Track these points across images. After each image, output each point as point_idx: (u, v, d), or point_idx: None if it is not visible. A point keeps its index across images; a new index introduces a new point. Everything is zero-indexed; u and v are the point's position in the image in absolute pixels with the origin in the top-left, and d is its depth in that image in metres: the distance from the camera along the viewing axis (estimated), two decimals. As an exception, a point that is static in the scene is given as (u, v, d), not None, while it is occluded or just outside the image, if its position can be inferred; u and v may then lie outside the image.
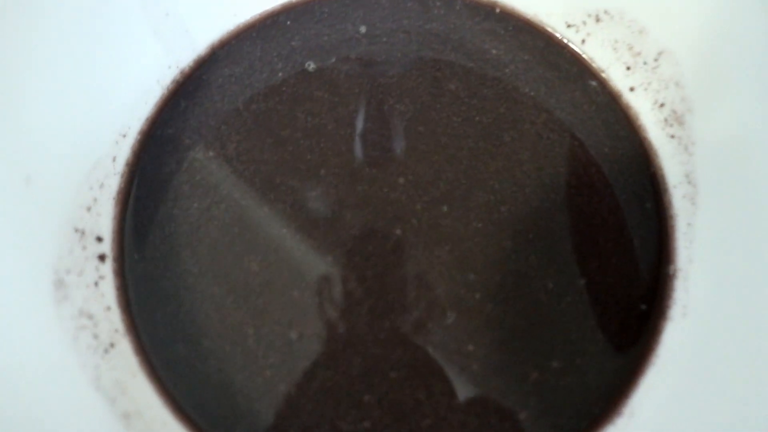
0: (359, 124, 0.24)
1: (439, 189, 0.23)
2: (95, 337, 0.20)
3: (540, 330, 0.22)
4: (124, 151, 0.23)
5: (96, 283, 0.21)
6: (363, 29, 0.25)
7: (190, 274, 0.22)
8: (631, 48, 0.23)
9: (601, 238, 0.23)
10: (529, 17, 0.25)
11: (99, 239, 0.22)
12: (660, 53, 0.23)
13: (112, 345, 0.20)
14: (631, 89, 0.24)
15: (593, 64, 0.25)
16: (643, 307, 0.22)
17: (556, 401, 0.21)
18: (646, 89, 0.23)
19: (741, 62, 0.20)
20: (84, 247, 0.21)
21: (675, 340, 0.21)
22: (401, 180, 0.23)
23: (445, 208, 0.23)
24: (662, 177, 0.23)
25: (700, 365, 0.20)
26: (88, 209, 0.22)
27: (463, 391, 0.21)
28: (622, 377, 0.21)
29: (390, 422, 0.21)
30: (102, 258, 0.22)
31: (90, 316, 0.20)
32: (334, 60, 0.25)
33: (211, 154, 0.23)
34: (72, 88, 0.21)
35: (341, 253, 0.22)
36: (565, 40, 0.25)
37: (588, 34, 0.24)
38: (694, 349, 0.21)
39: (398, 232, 0.22)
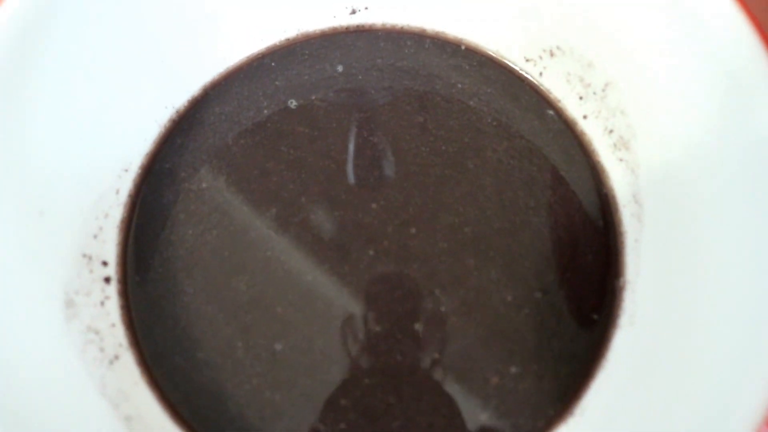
0: (336, 155, 0.27)
1: (408, 213, 0.26)
2: (101, 350, 0.23)
3: (500, 339, 0.24)
4: (126, 183, 0.26)
5: (102, 303, 0.24)
6: (340, 68, 0.28)
7: (186, 294, 0.25)
8: (582, 80, 0.26)
9: (556, 254, 0.25)
10: (491, 53, 0.28)
11: (104, 263, 0.25)
12: (606, 84, 0.25)
13: (116, 357, 0.24)
14: (584, 117, 0.27)
15: (550, 95, 0.27)
16: (595, 317, 0.24)
17: (514, 403, 0.24)
18: (597, 117, 0.26)
19: (675, 92, 0.23)
20: (91, 271, 0.24)
21: (623, 346, 0.24)
22: (374, 205, 0.26)
23: (413, 230, 0.25)
24: (613, 197, 0.26)
25: (644, 368, 0.23)
26: (95, 237, 0.25)
27: (430, 395, 0.24)
28: (574, 381, 0.24)
29: (364, 424, 0.23)
30: (107, 280, 0.25)
31: (97, 332, 0.23)
32: (313, 97, 0.28)
33: (204, 185, 0.27)
34: (79, 129, 0.24)
35: (321, 272, 0.25)
36: (524, 73, 0.28)
37: (544, 68, 0.27)
38: (639, 353, 0.23)
39: (371, 252, 0.25)
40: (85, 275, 0.24)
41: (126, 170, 0.26)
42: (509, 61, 0.28)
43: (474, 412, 0.24)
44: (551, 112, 0.27)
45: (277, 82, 0.28)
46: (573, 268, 0.25)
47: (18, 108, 0.22)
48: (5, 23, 0.21)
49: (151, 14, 0.25)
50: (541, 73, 0.27)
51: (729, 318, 0.20)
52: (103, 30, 0.24)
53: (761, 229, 0.20)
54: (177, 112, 0.28)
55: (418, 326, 0.24)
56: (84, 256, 0.24)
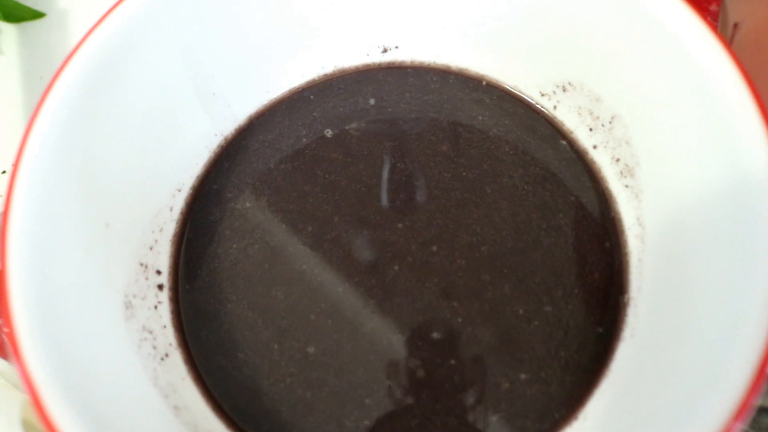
0: (367, 179, 0.30)
1: (430, 232, 0.29)
2: (154, 348, 0.27)
3: (511, 348, 0.27)
4: (179, 202, 0.31)
5: (156, 306, 0.28)
6: (372, 101, 0.32)
7: (230, 301, 0.29)
8: (591, 113, 0.30)
9: (565, 272, 0.28)
10: (510, 88, 0.32)
11: (158, 272, 0.29)
12: (613, 117, 0.29)
13: (167, 355, 0.27)
14: (594, 147, 0.30)
15: (563, 127, 0.31)
16: (600, 330, 0.27)
17: (523, 407, 0.27)
18: (605, 147, 0.29)
19: (673, 127, 0.26)
20: (147, 278, 0.28)
21: (624, 357, 0.27)
22: (400, 225, 0.30)
23: (435, 248, 0.29)
24: (619, 220, 0.29)
25: (643, 377, 0.25)
26: (151, 248, 0.29)
27: (446, 397, 0.27)
28: (579, 388, 0.27)
29: (385, 421, 0.27)
30: (160, 287, 0.29)
31: (150, 331, 0.27)
32: (347, 127, 0.32)
33: (248, 205, 0.31)
34: (141, 154, 0.29)
35: (350, 285, 0.29)
36: (540, 107, 0.31)
37: (558, 102, 0.31)
38: (639, 364, 0.26)
39: (396, 267, 0.29)
40: (141, 281, 0.28)
41: (179, 190, 0.31)
42: (526, 95, 0.32)
43: (486, 414, 0.27)
44: (564, 142, 0.31)
45: (314, 113, 0.32)
46: (580, 284, 0.28)
47: (90, 134, 0.26)
48: (85, 59, 0.26)
49: (205, 54, 0.30)
50: (555, 107, 0.31)
51: (715, 331, 0.23)
52: (165, 69, 0.28)
53: (746, 252, 0.23)
54: (225, 139, 0.32)
55: (436, 335, 0.28)
56: (141, 264, 0.28)
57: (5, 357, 0.34)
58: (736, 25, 0.28)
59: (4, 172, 0.36)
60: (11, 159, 0.38)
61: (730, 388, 0.20)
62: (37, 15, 0.40)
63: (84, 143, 0.26)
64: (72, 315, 0.24)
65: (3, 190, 0.36)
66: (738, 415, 0.20)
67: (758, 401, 0.29)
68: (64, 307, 0.24)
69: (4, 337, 0.34)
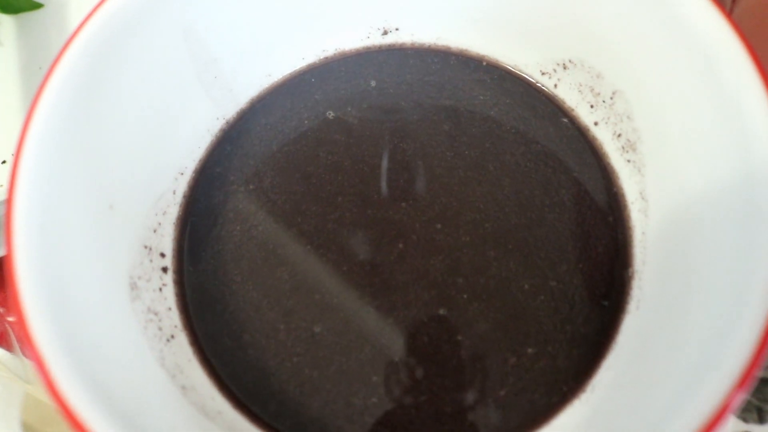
0: (369, 160, 0.31)
1: (434, 210, 0.29)
2: (160, 329, 0.27)
3: (517, 323, 0.28)
4: (182, 185, 0.31)
5: (160, 289, 0.28)
6: (373, 83, 0.33)
7: (234, 283, 0.29)
8: (592, 89, 0.30)
9: (570, 247, 0.29)
10: (510, 67, 0.32)
11: (162, 255, 0.29)
12: (614, 93, 0.29)
13: (172, 336, 0.28)
14: (596, 123, 0.30)
15: (564, 104, 0.31)
16: (605, 303, 0.28)
17: (531, 381, 0.27)
18: (606, 123, 0.30)
19: (673, 99, 0.26)
20: (151, 260, 0.28)
21: (630, 329, 0.27)
22: (403, 204, 0.30)
23: (439, 226, 0.29)
24: (622, 195, 0.29)
25: (648, 348, 0.26)
26: (155, 231, 0.29)
27: (453, 373, 0.27)
28: (586, 361, 0.27)
29: (393, 397, 0.27)
30: (165, 269, 0.29)
31: (156, 313, 0.27)
32: (349, 109, 0.32)
33: (251, 187, 0.31)
34: (143, 138, 0.29)
35: (354, 263, 0.29)
36: (540, 85, 0.32)
37: (559, 80, 0.31)
38: (644, 335, 0.26)
39: (401, 245, 0.29)
40: (146, 264, 0.28)
41: (182, 174, 0.31)
42: (526, 74, 0.32)
43: (494, 388, 0.27)
44: (565, 119, 0.31)
45: (316, 96, 0.33)
46: (585, 259, 0.28)
47: (92, 118, 0.26)
48: (85, 43, 0.26)
49: (206, 37, 0.30)
50: (555, 85, 0.31)
51: (719, 302, 0.23)
52: (166, 52, 0.29)
53: (750, 224, 0.23)
54: (227, 122, 0.32)
55: (443, 311, 0.28)
56: (145, 247, 0.29)
57: (8, 347, 0.35)
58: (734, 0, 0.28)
59: (4, 162, 0.36)
60: (11, 149, 0.38)
61: (734, 358, 0.21)
62: (35, 6, 0.41)
63: (86, 127, 0.26)
64: (79, 296, 0.24)
65: (4, 179, 0.36)
66: (741, 384, 0.20)
67: (762, 372, 0.30)
68: (71, 288, 0.24)
69: (8, 326, 0.34)
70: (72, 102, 0.26)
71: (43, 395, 0.33)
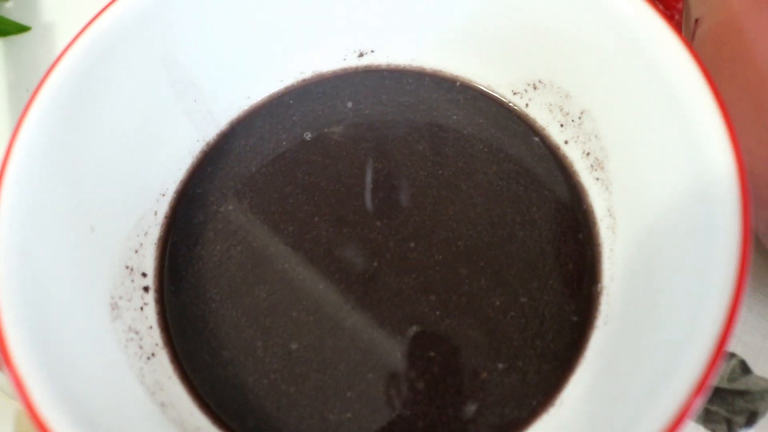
0: (346, 180, 0.32)
1: (408, 229, 0.30)
2: (140, 347, 0.28)
3: (488, 339, 0.28)
4: (163, 206, 0.32)
5: (141, 308, 0.29)
6: (350, 104, 0.33)
7: (213, 301, 0.30)
8: (561, 109, 0.31)
9: (540, 264, 0.29)
10: (483, 88, 0.33)
11: (144, 275, 0.30)
12: (582, 112, 0.30)
13: (153, 354, 0.28)
14: (566, 142, 0.31)
15: (535, 123, 0.32)
16: (575, 318, 0.28)
17: (501, 395, 0.28)
18: (576, 141, 0.31)
19: (637, 120, 0.27)
20: (132, 280, 0.29)
21: (598, 344, 0.28)
22: (378, 223, 0.31)
23: (412, 244, 0.30)
24: (591, 213, 0.30)
25: (615, 362, 0.27)
26: (136, 251, 0.30)
27: (426, 388, 0.28)
28: (555, 375, 0.28)
29: (366, 413, 0.28)
30: (146, 289, 0.30)
31: (137, 332, 0.28)
32: (326, 130, 0.33)
33: (230, 207, 0.32)
34: (124, 160, 0.30)
35: (331, 282, 0.30)
36: (512, 105, 0.33)
37: (530, 99, 0.32)
38: (611, 350, 0.27)
39: (375, 264, 0.30)
40: (127, 284, 0.29)
41: (163, 195, 0.32)
42: (499, 94, 0.33)
43: (465, 403, 0.28)
44: (536, 138, 0.32)
45: (294, 117, 0.33)
46: (555, 275, 0.29)
47: (74, 142, 0.27)
48: (67, 69, 0.27)
49: (185, 61, 0.31)
50: (527, 104, 0.32)
51: (679, 317, 0.24)
52: (146, 77, 0.30)
53: (708, 243, 0.24)
54: (207, 144, 0.33)
55: (416, 328, 0.29)
56: (127, 267, 0.29)
57: (-3, 365, 0.35)
58: (696, 21, 0.29)
59: (-8, 183, 0.37)
60: (-1, 170, 0.39)
61: (691, 368, 0.22)
62: (22, 29, 0.42)
63: (68, 150, 0.27)
64: (59, 317, 0.25)
65: (-9, 200, 0.37)
66: (697, 392, 0.21)
67: (729, 384, 0.31)
68: (51, 309, 0.25)
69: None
70: (54, 125, 0.27)
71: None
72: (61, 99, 0.27)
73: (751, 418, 0.31)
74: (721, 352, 0.22)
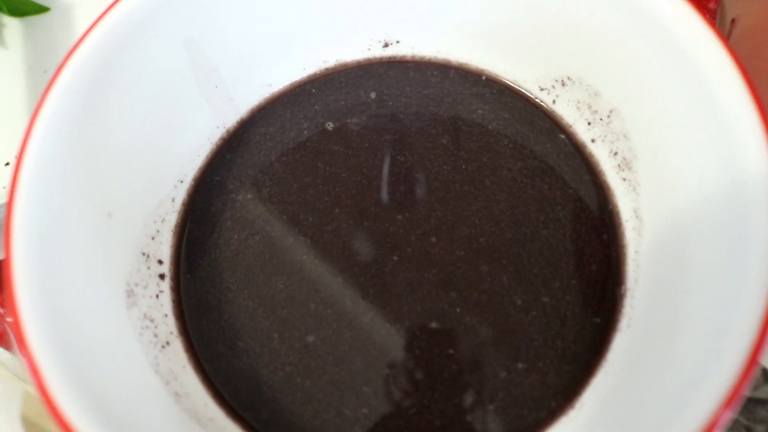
0: (367, 172, 0.31)
1: (429, 224, 0.30)
2: (155, 336, 0.28)
3: (509, 338, 0.28)
4: (181, 193, 0.31)
5: (157, 295, 0.29)
6: (373, 95, 0.33)
7: (230, 291, 0.30)
8: (590, 107, 0.30)
9: (563, 263, 0.29)
10: (509, 83, 0.33)
11: (160, 262, 0.30)
12: (611, 111, 0.29)
13: (168, 343, 0.28)
14: (593, 141, 0.31)
15: (562, 121, 0.32)
16: (597, 320, 0.28)
17: (520, 396, 0.27)
18: (603, 141, 0.30)
19: (669, 120, 0.27)
20: (149, 267, 0.29)
21: (621, 347, 0.27)
22: (399, 217, 0.30)
23: (434, 239, 0.30)
24: (617, 213, 0.30)
25: (638, 367, 0.26)
26: (153, 238, 0.30)
27: (444, 386, 0.28)
28: (575, 378, 0.27)
29: (383, 409, 0.27)
30: (162, 276, 0.30)
31: (152, 320, 0.28)
32: (348, 121, 0.33)
33: (249, 196, 0.31)
34: (143, 145, 0.29)
35: (350, 275, 0.29)
36: (539, 101, 0.32)
37: (557, 96, 0.32)
38: (634, 353, 0.27)
39: (395, 258, 0.30)
40: (143, 271, 0.29)
41: (181, 181, 0.31)
42: (525, 90, 0.33)
43: (483, 402, 0.27)
44: (563, 136, 0.31)
45: (316, 107, 0.33)
46: (578, 276, 0.29)
47: (93, 126, 0.27)
48: (88, 51, 0.27)
49: (208, 47, 0.30)
50: (554, 101, 0.32)
51: (708, 322, 0.24)
52: (167, 61, 0.29)
53: (740, 247, 0.23)
54: (227, 131, 0.33)
55: (435, 324, 0.28)
56: (143, 254, 0.29)
57: (8, 347, 0.35)
58: (733, 21, 0.29)
59: (7, 164, 0.37)
60: (15, 151, 0.39)
61: (721, 377, 0.21)
62: (41, 9, 0.41)
63: (87, 134, 0.27)
64: (75, 303, 0.25)
65: (6, 182, 0.37)
66: (728, 404, 0.21)
67: (752, 392, 0.30)
68: (68, 294, 0.25)
69: (7, 327, 0.35)
70: (74, 109, 0.26)
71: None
72: (81, 83, 0.27)
73: (773, 428, 0.30)
74: (754, 361, 0.21)
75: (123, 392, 0.25)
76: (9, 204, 0.25)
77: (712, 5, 0.36)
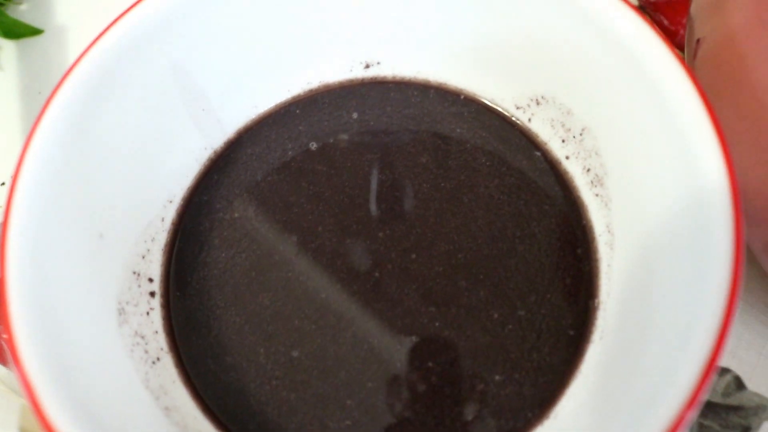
0: (350, 191, 0.32)
1: (409, 241, 0.31)
2: (146, 352, 0.29)
3: (486, 351, 0.29)
4: (170, 213, 0.32)
5: (147, 313, 0.30)
6: (355, 115, 0.34)
7: (218, 308, 0.31)
8: (563, 125, 0.31)
9: (538, 277, 0.30)
10: (487, 102, 0.34)
11: (150, 280, 0.31)
12: (583, 129, 0.31)
13: (158, 359, 0.29)
14: (567, 158, 0.32)
15: (537, 138, 0.33)
16: (571, 332, 0.29)
17: (497, 407, 0.28)
18: (576, 157, 0.31)
19: (636, 139, 0.28)
20: (139, 285, 0.30)
21: (594, 358, 0.29)
22: (380, 234, 0.31)
23: (414, 256, 0.31)
24: (590, 228, 0.31)
25: (611, 375, 0.27)
26: (143, 257, 0.31)
27: (424, 399, 0.29)
28: (551, 388, 0.28)
29: (365, 422, 0.29)
30: (152, 294, 0.31)
31: (143, 336, 0.29)
32: (331, 140, 0.34)
33: (236, 215, 0.33)
34: (133, 167, 0.31)
35: (333, 291, 0.31)
36: (515, 119, 0.33)
37: (532, 114, 0.33)
38: (606, 364, 0.28)
39: (377, 274, 0.31)
40: (134, 289, 0.30)
41: (170, 201, 0.33)
42: (502, 108, 0.34)
43: (462, 413, 0.28)
44: (538, 153, 0.32)
45: (300, 127, 0.34)
46: (553, 290, 0.30)
47: (85, 148, 0.28)
48: (80, 77, 0.28)
49: (195, 71, 0.32)
50: (529, 119, 0.33)
51: (672, 333, 0.25)
52: (157, 86, 0.30)
53: (702, 261, 0.24)
54: (214, 152, 0.34)
55: (414, 338, 0.29)
56: (134, 273, 0.30)
57: (4, 363, 0.36)
58: (698, 41, 0.30)
59: (2, 183, 0.38)
60: (10, 171, 0.40)
61: (684, 382, 0.22)
62: (35, 32, 0.43)
63: (79, 157, 0.28)
64: (68, 321, 0.26)
65: (2, 201, 0.38)
66: (690, 405, 0.22)
67: (724, 399, 0.31)
68: (61, 313, 0.26)
69: (3, 343, 0.36)
70: (67, 133, 0.28)
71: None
72: (74, 107, 0.28)
73: (745, 434, 0.31)
74: (712, 366, 0.22)
75: (115, 407, 0.26)
76: (4, 224, 0.26)
77: (685, 20, 0.37)
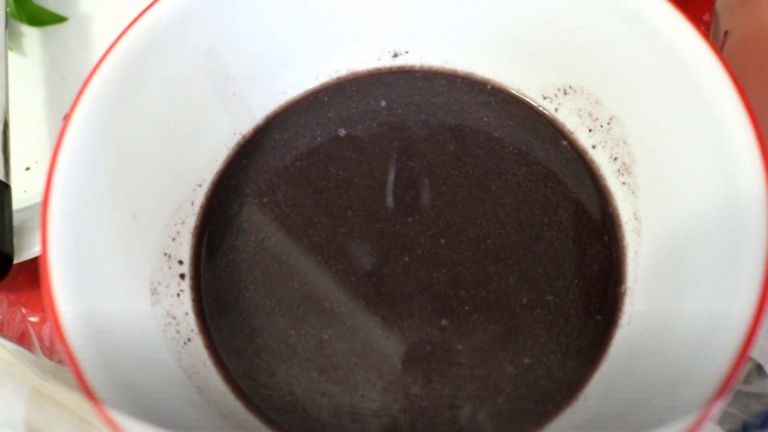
0: (378, 177, 0.33)
1: (438, 226, 0.32)
2: (177, 332, 0.29)
3: (515, 334, 0.30)
4: (200, 197, 0.33)
5: (178, 294, 0.30)
6: (383, 103, 0.35)
7: (248, 290, 0.31)
8: (591, 114, 0.32)
9: (566, 263, 0.31)
10: (513, 91, 0.34)
11: (180, 262, 0.31)
12: (611, 118, 0.31)
13: (189, 340, 0.30)
14: (593, 147, 0.32)
15: (564, 128, 0.33)
16: (599, 317, 0.30)
17: (527, 389, 0.29)
18: (604, 146, 0.32)
19: (665, 127, 0.28)
20: (170, 267, 0.31)
21: (621, 343, 0.29)
22: (409, 219, 0.32)
23: (443, 241, 0.31)
24: (617, 215, 0.31)
25: (639, 360, 0.28)
26: (174, 239, 0.31)
27: (452, 381, 0.29)
28: (579, 371, 0.29)
29: (395, 402, 0.29)
30: (182, 276, 0.31)
31: (174, 317, 0.29)
32: (360, 127, 0.34)
33: (265, 200, 0.33)
34: (164, 151, 0.31)
35: (362, 274, 0.31)
36: (542, 109, 0.34)
37: (559, 104, 0.33)
38: (635, 348, 0.28)
39: (406, 259, 0.31)
40: (165, 270, 0.30)
41: (200, 185, 0.33)
42: (529, 98, 0.34)
43: (491, 396, 0.29)
44: (565, 142, 0.33)
45: (329, 114, 0.35)
46: (580, 275, 0.30)
47: (120, 132, 0.29)
48: (116, 60, 0.28)
49: (227, 57, 0.32)
50: (556, 109, 0.33)
51: (703, 318, 0.25)
52: (190, 71, 0.31)
53: (733, 246, 0.25)
54: (243, 137, 0.34)
55: (445, 322, 0.30)
56: (165, 254, 0.31)
57: (29, 347, 0.36)
58: (726, 33, 0.30)
59: (28, 168, 0.38)
60: (35, 157, 0.40)
61: (714, 371, 0.23)
62: (59, 19, 0.43)
63: (114, 140, 0.29)
64: (106, 299, 0.27)
65: (27, 186, 0.38)
66: (719, 394, 0.22)
67: (747, 386, 0.32)
68: (99, 291, 0.26)
69: (29, 326, 0.36)
70: (102, 116, 0.28)
71: (54, 393, 0.35)
72: (109, 91, 0.28)
73: (766, 421, 0.32)
74: (744, 356, 0.23)
75: (152, 383, 0.26)
76: (44, 203, 0.26)
77: (706, 17, 0.38)
